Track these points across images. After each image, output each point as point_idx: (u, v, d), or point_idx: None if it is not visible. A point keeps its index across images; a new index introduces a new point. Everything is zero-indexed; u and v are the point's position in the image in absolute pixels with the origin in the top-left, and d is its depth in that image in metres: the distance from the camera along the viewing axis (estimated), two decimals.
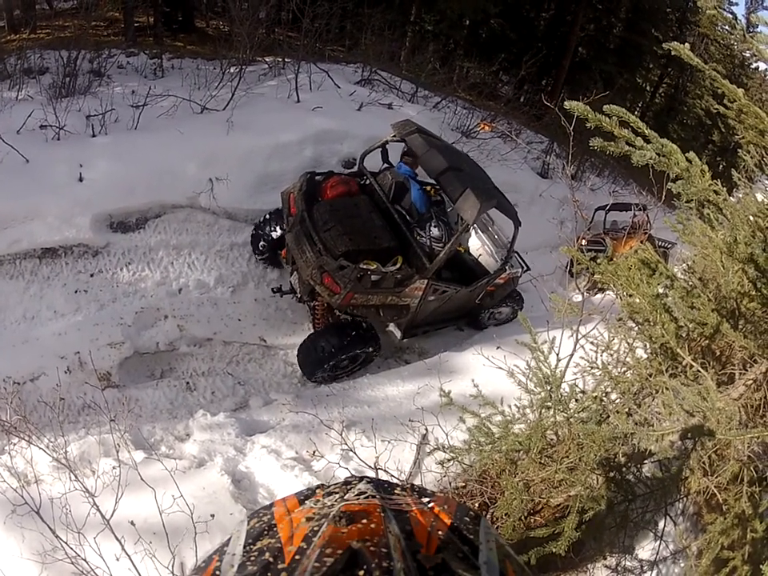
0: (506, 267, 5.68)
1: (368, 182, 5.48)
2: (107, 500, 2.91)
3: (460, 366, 4.95)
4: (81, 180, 5.75)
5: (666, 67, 20.46)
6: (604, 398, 2.87)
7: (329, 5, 8.69)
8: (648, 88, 21.68)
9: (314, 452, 4.06)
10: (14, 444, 3.44)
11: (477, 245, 6.30)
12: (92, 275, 5.37)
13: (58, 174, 5.75)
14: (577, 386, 2.96)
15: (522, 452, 3.01)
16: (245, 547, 0.71)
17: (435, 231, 5.22)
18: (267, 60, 8.13)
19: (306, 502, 0.82)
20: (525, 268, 6.08)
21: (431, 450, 3.58)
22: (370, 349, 5.16)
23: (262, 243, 5.80)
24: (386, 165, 5.76)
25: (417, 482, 3.66)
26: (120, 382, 4.75)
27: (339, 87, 7.82)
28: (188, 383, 4.98)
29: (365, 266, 4.67)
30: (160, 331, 5.12)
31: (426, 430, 4.01)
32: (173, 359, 5.14)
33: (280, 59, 8.14)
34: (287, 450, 4.08)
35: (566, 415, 2.84)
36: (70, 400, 4.51)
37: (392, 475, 3.50)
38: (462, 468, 3.46)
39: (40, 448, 3.24)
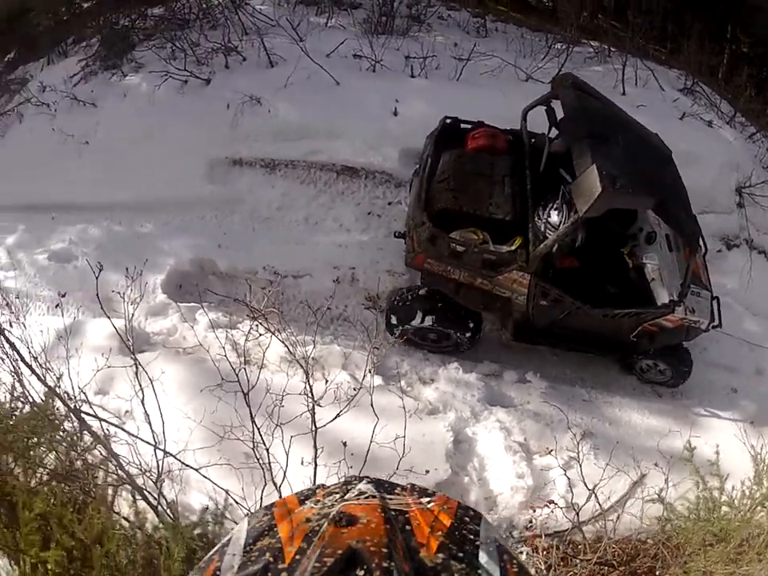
0: (677, 307, 3.99)
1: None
2: (326, 410, 2.93)
3: (714, 425, 4.51)
4: (395, 114, 5.96)
5: None
6: None
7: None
8: None
9: (550, 450, 4.01)
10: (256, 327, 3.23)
11: (655, 266, 4.32)
12: (390, 203, 5.53)
13: (371, 103, 6.01)
14: None
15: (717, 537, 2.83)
16: (245, 547, 0.69)
17: (554, 216, 4.01)
18: (593, 44, 7.82)
19: (306, 502, 0.80)
20: (715, 322, 4.24)
21: (648, 499, 3.47)
22: (464, 336, 4.39)
23: None
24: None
25: (612, 517, 3.57)
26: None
27: (663, 90, 7.27)
28: None
29: (456, 235, 4.00)
30: None
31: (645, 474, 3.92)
32: None
33: (606, 46, 7.78)
34: (518, 433, 4.07)
35: None
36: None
37: (599, 504, 3.54)
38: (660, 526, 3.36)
39: (279, 339, 3.14)
